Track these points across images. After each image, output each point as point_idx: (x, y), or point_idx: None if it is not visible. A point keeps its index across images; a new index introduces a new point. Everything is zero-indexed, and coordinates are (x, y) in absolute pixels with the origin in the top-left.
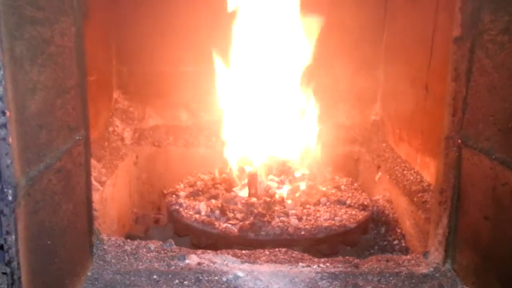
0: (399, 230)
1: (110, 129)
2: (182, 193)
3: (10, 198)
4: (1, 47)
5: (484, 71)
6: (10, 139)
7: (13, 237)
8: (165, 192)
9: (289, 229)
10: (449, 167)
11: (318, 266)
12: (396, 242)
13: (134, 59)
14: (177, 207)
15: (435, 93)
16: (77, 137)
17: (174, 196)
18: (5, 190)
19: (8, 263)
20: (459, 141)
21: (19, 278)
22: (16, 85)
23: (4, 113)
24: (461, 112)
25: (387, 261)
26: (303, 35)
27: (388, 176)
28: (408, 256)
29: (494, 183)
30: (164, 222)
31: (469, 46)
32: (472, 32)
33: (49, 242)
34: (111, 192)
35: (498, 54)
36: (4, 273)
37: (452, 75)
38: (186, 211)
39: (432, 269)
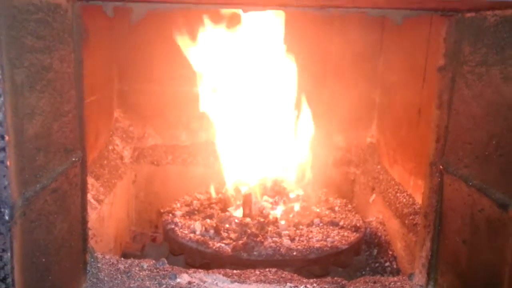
0: (390, 252)
1: (110, 147)
2: (178, 212)
3: (6, 217)
4: (2, 76)
5: (463, 100)
6: (8, 162)
7: (9, 254)
8: (161, 211)
9: (281, 249)
10: (432, 192)
11: (306, 286)
12: (387, 264)
13: (135, 79)
14: (173, 226)
15: (427, 118)
16: (74, 159)
17: (170, 215)
18: (2, 210)
19: (3, 280)
20: (441, 167)
21: None
22: (16, 111)
23: (3, 137)
24: (444, 139)
25: (374, 282)
26: (300, 59)
27: (382, 198)
28: (395, 278)
29: (471, 209)
30: (161, 241)
31: (451, 76)
32: (453, 62)
33: (43, 260)
34: (109, 211)
35: (476, 85)
36: None
37: (437, 102)
38: (181, 230)
39: None
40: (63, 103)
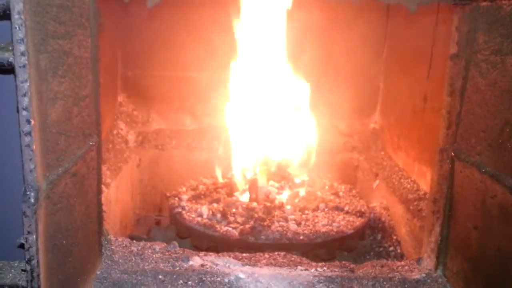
0: (394, 237)
1: (115, 132)
2: (184, 196)
3: (32, 200)
4: (28, 61)
5: (477, 88)
6: (34, 146)
7: (34, 237)
8: (168, 194)
9: (288, 233)
10: (443, 178)
11: (316, 270)
12: (391, 248)
13: (139, 64)
14: (180, 210)
15: (433, 104)
16: (91, 143)
17: (176, 199)
18: (28, 193)
19: (29, 261)
20: (452, 154)
21: (38, 275)
22: (40, 96)
23: (29, 122)
24: (455, 126)
25: (382, 266)
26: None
27: (385, 184)
28: (402, 262)
29: (483, 196)
30: (165, 224)
31: (464, 64)
32: (467, 51)
33: (64, 242)
34: (115, 194)
35: (490, 73)
36: (24, 270)
37: (448, 90)
38: (188, 214)
39: (424, 275)
40: (81, 87)
